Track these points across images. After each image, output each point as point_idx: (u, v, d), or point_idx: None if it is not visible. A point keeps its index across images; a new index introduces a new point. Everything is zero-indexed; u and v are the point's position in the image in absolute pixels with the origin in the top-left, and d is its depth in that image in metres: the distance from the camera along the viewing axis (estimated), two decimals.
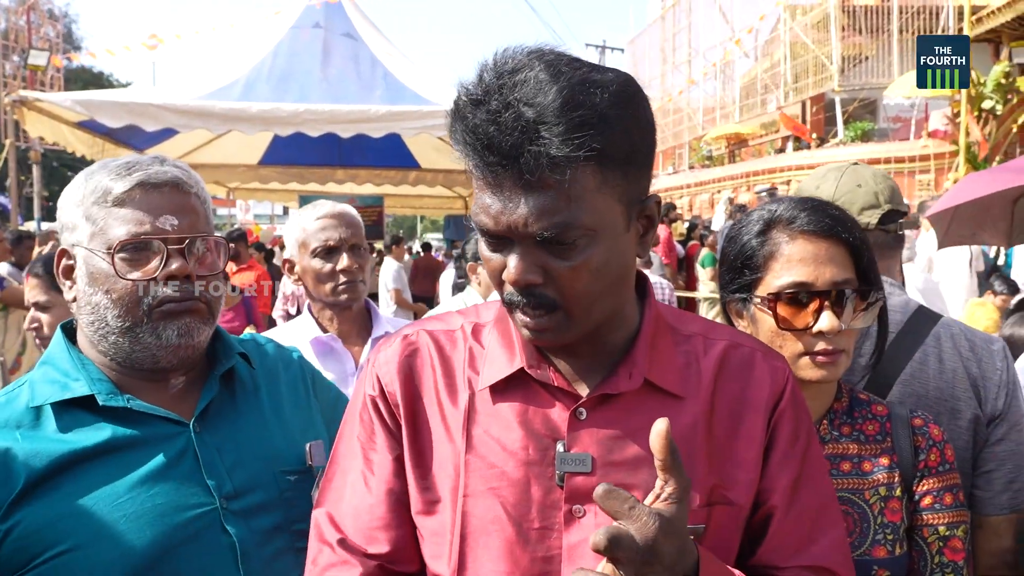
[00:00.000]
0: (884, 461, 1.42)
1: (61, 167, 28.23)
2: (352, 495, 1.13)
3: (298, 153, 9.61)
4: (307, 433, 1.47)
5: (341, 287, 2.26)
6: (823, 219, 1.39)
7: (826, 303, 1.35)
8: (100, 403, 1.30)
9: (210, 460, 1.34)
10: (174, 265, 1.33)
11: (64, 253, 1.39)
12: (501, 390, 1.10)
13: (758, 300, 1.40)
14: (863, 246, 1.40)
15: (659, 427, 0.90)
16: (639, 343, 1.10)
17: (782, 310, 1.37)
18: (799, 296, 1.36)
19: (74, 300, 1.38)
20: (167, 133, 8.14)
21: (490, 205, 0.97)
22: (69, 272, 1.39)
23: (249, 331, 4.62)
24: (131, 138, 8.59)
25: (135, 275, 1.32)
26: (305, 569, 1.14)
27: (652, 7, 31.22)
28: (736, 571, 1.02)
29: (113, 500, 1.26)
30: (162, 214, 1.35)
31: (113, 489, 1.26)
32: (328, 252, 2.25)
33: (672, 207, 12.77)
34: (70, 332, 1.43)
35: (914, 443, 1.43)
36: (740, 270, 1.44)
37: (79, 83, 27.52)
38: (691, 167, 24.57)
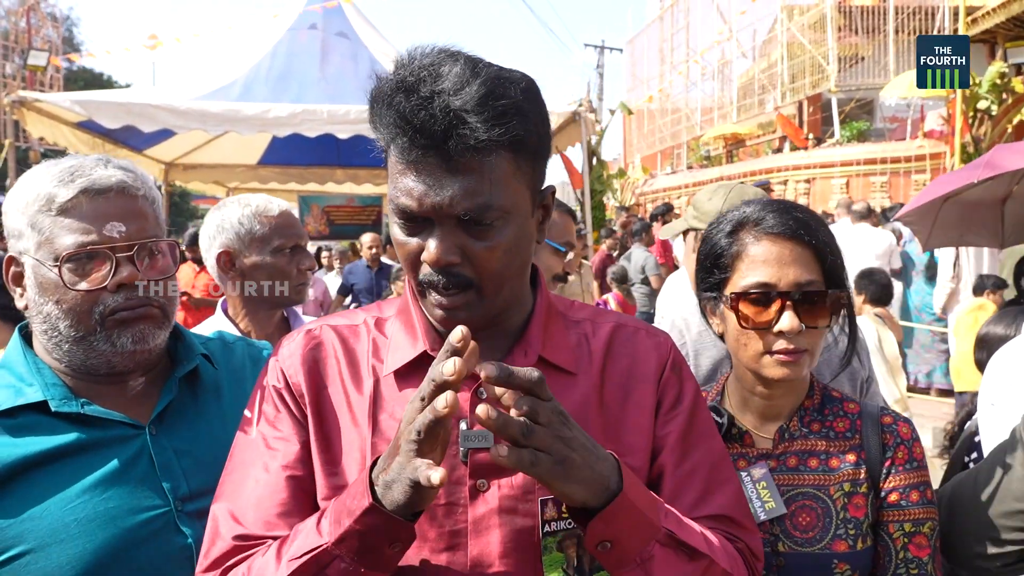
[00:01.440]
0: (851, 457, 1.46)
1: None
2: (254, 487, 1.13)
3: (297, 153, 9.60)
4: None
5: (300, 286, 2.24)
6: (788, 221, 1.42)
7: (788, 303, 1.39)
8: (52, 409, 1.29)
9: (166, 462, 1.32)
10: (124, 273, 1.31)
11: (12, 260, 1.35)
12: (405, 375, 1.15)
13: (725, 299, 1.45)
14: (828, 248, 1.43)
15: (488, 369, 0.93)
16: (533, 324, 1.19)
17: (745, 309, 1.41)
18: (762, 296, 1.40)
19: (26, 308, 1.35)
20: (165, 134, 8.13)
21: (414, 188, 1.04)
22: (19, 279, 1.36)
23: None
24: (129, 138, 8.55)
25: (84, 285, 1.29)
26: (197, 564, 1.13)
27: (651, 7, 31.23)
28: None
29: (64, 505, 1.24)
30: (108, 221, 1.31)
31: (65, 494, 1.24)
32: (294, 250, 2.23)
33: (670, 207, 12.71)
34: (28, 336, 1.40)
35: (882, 440, 1.46)
36: (711, 270, 1.49)
37: (79, 84, 27.49)
38: (689, 167, 24.56)
